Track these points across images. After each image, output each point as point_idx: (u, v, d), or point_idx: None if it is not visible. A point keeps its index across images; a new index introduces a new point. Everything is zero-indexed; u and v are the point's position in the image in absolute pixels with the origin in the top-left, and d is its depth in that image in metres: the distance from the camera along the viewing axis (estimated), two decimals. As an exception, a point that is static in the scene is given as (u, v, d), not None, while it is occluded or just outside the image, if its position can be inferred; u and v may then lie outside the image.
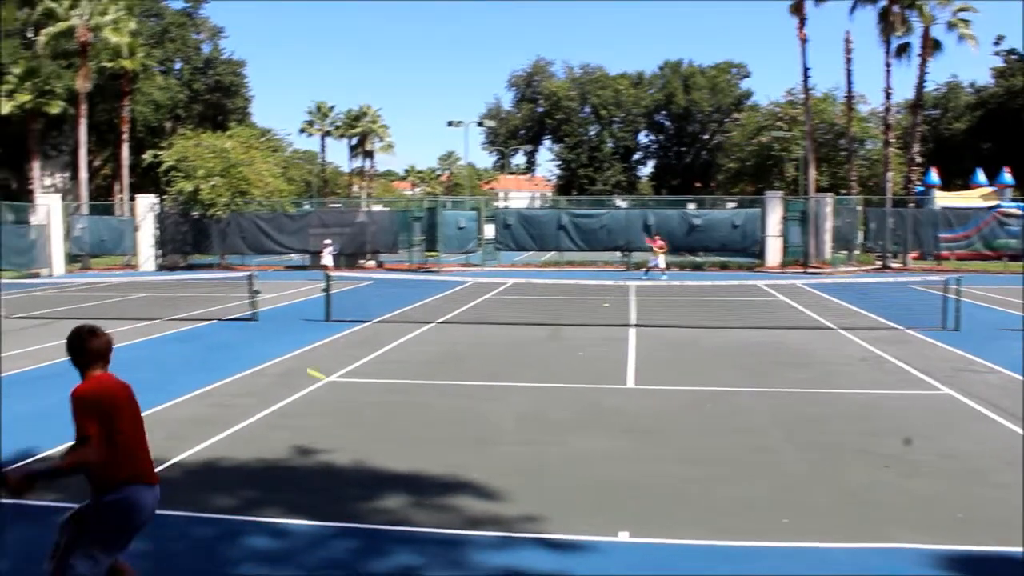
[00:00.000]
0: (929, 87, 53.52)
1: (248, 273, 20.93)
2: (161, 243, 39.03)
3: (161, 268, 38.15)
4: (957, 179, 45.55)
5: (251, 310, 19.43)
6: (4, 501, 4.93)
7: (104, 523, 4.69)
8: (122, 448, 4.65)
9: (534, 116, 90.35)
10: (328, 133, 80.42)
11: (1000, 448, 9.00)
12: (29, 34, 47.82)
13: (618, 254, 39.28)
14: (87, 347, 4.78)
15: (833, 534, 6.48)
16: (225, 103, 66.33)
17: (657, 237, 32.61)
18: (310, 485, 7.72)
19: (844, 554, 6.14)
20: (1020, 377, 12.62)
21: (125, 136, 46.14)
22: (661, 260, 31.49)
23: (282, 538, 6.43)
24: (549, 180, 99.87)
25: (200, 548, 6.29)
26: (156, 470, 7.91)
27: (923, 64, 40.78)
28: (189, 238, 39.03)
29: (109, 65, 45.17)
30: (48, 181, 54.58)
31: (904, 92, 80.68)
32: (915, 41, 41.07)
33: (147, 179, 48.61)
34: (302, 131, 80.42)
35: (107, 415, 4.58)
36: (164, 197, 39.67)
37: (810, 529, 6.61)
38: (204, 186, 37.05)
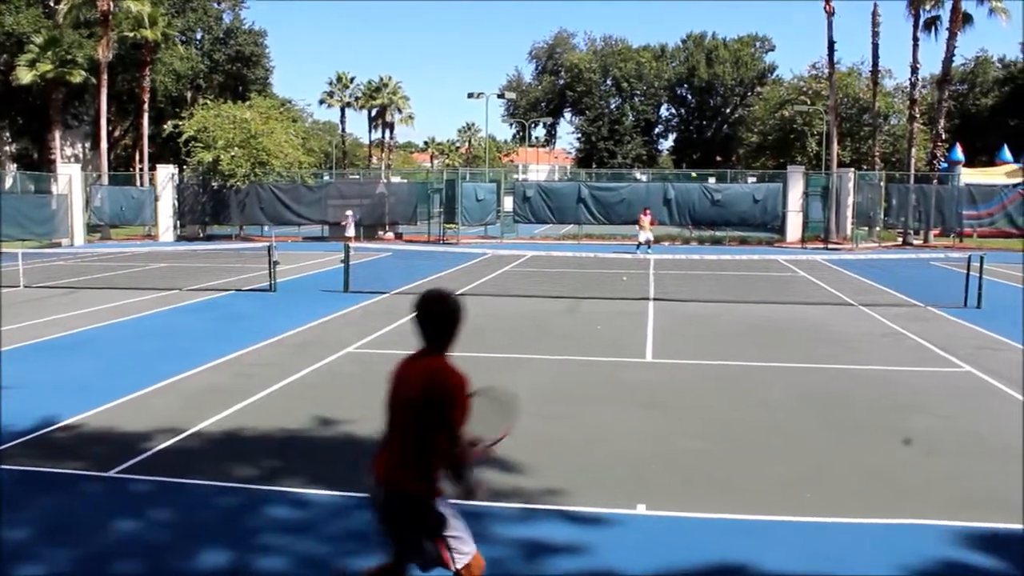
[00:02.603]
0: (957, 62, 52.76)
1: (268, 244, 20.99)
2: (180, 213, 39.20)
3: (180, 238, 38.32)
4: (982, 155, 45.03)
5: (270, 280, 19.49)
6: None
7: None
8: None
9: (555, 88, 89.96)
10: (348, 104, 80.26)
11: (1022, 427, 8.93)
12: (51, 3, 47.88)
13: (637, 228, 39.11)
14: (460, 322, 4.28)
15: (855, 510, 6.45)
16: (245, 73, 66.21)
17: (648, 211, 32.49)
18: (331, 455, 7.75)
19: (866, 529, 6.11)
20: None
21: (145, 106, 46.17)
22: (644, 235, 31.33)
23: (304, 508, 6.46)
24: (569, 153, 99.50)
25: (224, 517, 6.33)
26: (176, 439, 8.08)
27: (951, 38, 40.15)
28: (208, 208, 39.17)
29: (130, 35, 45.13)
30: (68, 151, 54.82)
31: (931, 67, 79.48)
32: (944, 14, 40.50)
33: (167, 149, 48.79)
34: (322, 102, 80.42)
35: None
36: (184, 168, 39.81)
37: (831, 505, 6.58)
38: (224, 156, 37.12)
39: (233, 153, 37.27)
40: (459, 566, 4.19)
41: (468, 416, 4.04)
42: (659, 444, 8.09)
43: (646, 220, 31.58)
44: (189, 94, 59.00)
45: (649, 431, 8.57)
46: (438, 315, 4.19)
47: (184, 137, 38.63)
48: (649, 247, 30.84)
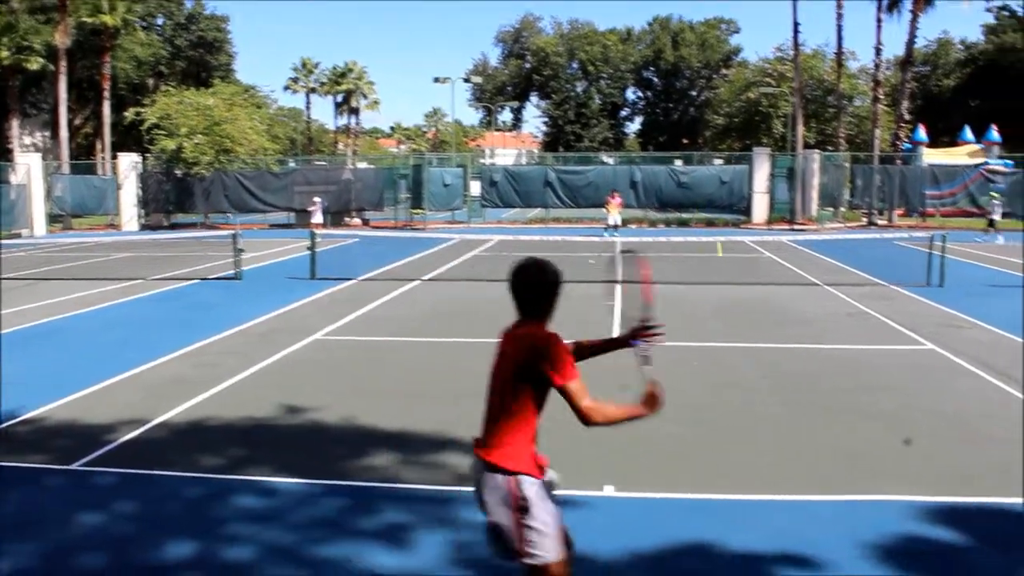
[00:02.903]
0: (919, 43, 53.24)
1: (232, 232, 20.81)
2: (144, 202, 38.68)
3: (144, 227, 37.84)
4: (945, 136, 45.50)
5: (235, 269, 19.32)
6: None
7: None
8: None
9: (521, 72, 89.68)
10: (313, 90, 79.71)
11: (986, 403, 9.06)
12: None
13: (604, 211, 39.28)
14: (558, 291, 4.12)
15: (821, 488, 6.51)
16: (208, 59, 65.51)
17: (616, 194, 32.56)
18: (298, 444, 7.70)
19: (832, 507, 6.18)
20: (1004, 333, 12.71)
21: (106, 93, 45.51)
22: (612, 217, 31.39)
23: (271, 497, 6.42)
24: (536, 137, 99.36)
25: (189, 508, 6.27)
26: (141, 430, 8.00)
27: (914, 20, 40.57)
28: (172, 197, 38.68)
29: (89, 20, 44.42)
30: (28, 140, 53.87)
31: (894, 48, 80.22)
32: (906, -4, 40.80)
33: (129, 137, 48.11)
34: (287, 88, 79.88)
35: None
36: (147, 156, 39.25)
37: (797, 484, 6.64)
38: (187, 144, 36.66)
39: (197, 140, 36.80)
40: (532, 562, 3.84)
41: (573, 367, 3.90)
42: (627, 426, 8.07)
43: (614, 202, 31.63)
44: (151, 81, 58.27)
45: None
46: (536, 284, 4.08)
47: (146, 125, 38.08)
48: (617, 230, 30.89)
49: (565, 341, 4.02)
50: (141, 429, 8.00)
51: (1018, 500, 6.27)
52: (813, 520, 5.97)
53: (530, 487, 3.87)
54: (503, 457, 3.90)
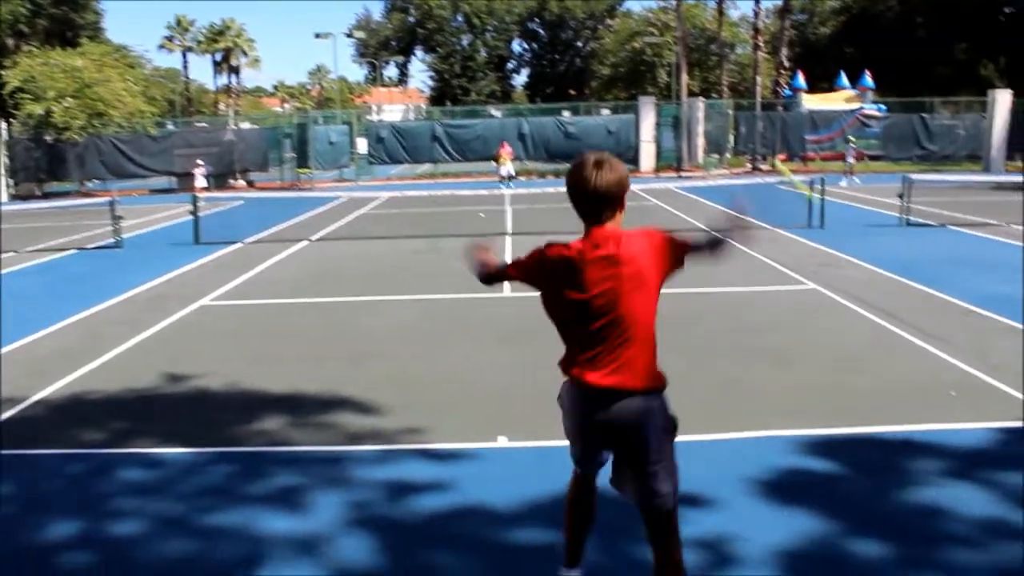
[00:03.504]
0: (795, -9, 54.41)
1: (109, 199, 20.02)
2: (12, 171, 36.71)
3: (15, 198, 35.97)
4: (823, 83, 46.78)
5: (115, 237, 18.63)
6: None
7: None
8: None
9: (405, 26, 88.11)
10: (190, 49, 76.91)
11: (862, 337, 9.46)
12: None
13: (493, 164, 39.25)
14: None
15: (705, 427, 6.69)
16: (73, 17, 62.17)
17: (505, 144, 32.60)
18: (184, 412, 7.50)
19: (714, 445, 6.35)
20: (879, 270, 13.29)
21: (-37, 56, 42.96)
22: (504, 168, 31.44)
23: (157, 468, 6.23)
24: (423, 92, 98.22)
25: (72, 485, 6.05)
26: (18, 409, 7.66)
27: (790, -33, 41.35)
28: (44, 164, 36.84)
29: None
30: None
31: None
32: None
33: (-9, 103, 45.53)
34: (161, 47, 76.93)
35: None
36: (11, 121, 37.27)
37: (684, 422, 6.79)
38: (56, 108, 34.97)
39: (66, 104, 35.13)
40: (666, 499, 3.94)
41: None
42: (518, 377, 8.17)
43: (505, 153, 31.55)
44: (11, 41, 55.11)
45: (508, 365, 8.64)
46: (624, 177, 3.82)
47: (8, 89, 36.12)
48: (510, 180, 30.84)
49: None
50: (18, 408, 7.65)
51: (889, 428, 6.58)
52: (699, 459, 6.11)
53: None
54: (652, 379, 3.79)
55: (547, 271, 3.71)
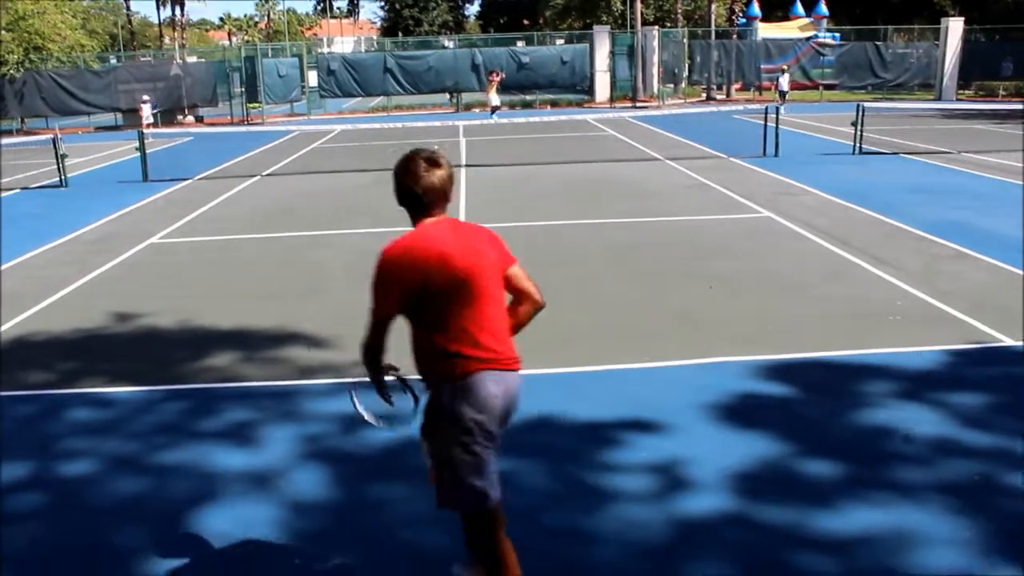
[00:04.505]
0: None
1: (51, 136, 19.43)
2: (-54, 110, 35.56)
3: (-48, 136, 34.92)
4: (778, 11, 46.47)
5: (60, 175, 18.13)
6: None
7: None
8: None
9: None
10: (131, -21, 74.33)
11: (815, 264, 9.53)
12: None
13: (446, 96, 38.70)
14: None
15: (661, 354, 6.72)
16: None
17: (495, 72, 31.70)
18: (133, 351, 7.36)
19: (671, 372, 6.38)
20: (830, 197, 13.38)
21: None
22: (495, 98, 30.66)
23: (107, 407, 6.13)
24: (374, 23, 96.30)
25: (20, 427, 5.92)
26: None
27: None
28: (-20, 102, 35.66)
29: None
30: None
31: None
32: None
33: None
34: (101, -23, 74.09)
35: None
36: (-58, 57, 35.87)
37: (637, 351, 6.82)
38: (-11, 42, 33.68)
39: (0, 38, 33.84)
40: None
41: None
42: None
43: (496, 81, 29.99)
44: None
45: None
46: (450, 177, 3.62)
47: (-65, 23, 34.72)
48: (497, 112, 29.45)
49: None
50: (-39, 349, 7.48)
51: (841, 352, 6.65)
52: (655, 385, 6.16)
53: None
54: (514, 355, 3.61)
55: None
